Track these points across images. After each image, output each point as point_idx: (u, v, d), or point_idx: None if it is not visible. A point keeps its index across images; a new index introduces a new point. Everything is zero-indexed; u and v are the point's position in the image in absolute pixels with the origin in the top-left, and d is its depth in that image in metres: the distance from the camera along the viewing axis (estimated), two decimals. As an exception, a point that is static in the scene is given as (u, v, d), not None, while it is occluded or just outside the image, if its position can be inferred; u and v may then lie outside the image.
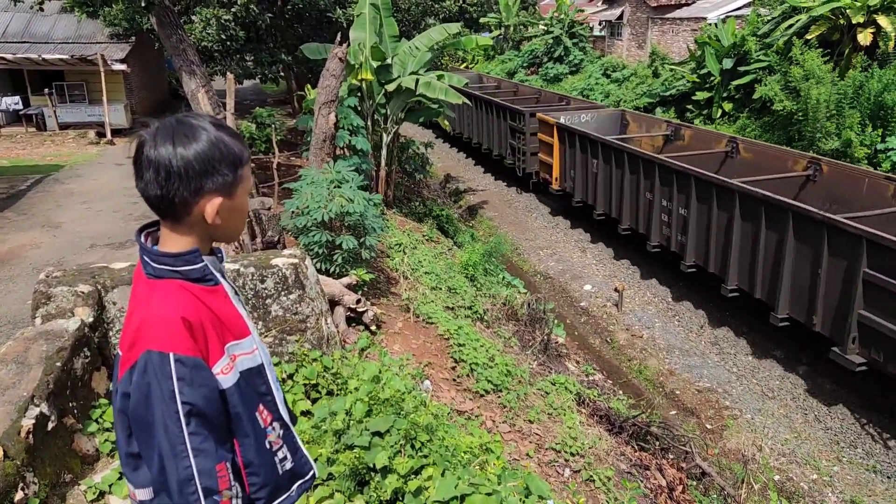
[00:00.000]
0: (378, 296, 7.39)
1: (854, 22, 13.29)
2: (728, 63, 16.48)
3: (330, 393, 4.54)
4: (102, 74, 16.82)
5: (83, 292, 4.15)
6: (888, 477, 7.13)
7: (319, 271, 6.45)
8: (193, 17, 15.85)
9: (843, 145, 11.99)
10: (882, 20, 13.08)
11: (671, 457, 7.11)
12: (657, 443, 7.17)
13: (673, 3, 24.24)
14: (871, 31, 13.27)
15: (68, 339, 3.80)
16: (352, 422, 3.77)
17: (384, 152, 11.34)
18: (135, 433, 1.51)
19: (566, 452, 5.87)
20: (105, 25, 18.53)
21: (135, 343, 1.49)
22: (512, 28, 32.78)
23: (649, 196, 11.27)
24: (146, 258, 1.58)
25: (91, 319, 4.10)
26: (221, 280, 1.66)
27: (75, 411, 3.73)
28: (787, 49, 14.95)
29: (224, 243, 1.73)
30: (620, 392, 8.96)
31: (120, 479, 3.42)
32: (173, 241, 1.58)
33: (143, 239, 1.61)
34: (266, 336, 4.66)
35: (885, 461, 7.32)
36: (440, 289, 8.63)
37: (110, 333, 4.30)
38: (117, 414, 1.58)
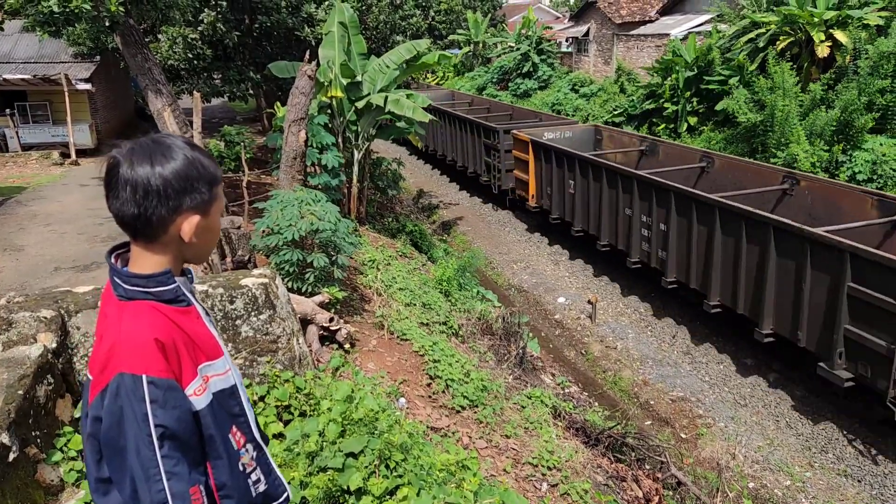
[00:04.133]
0: (351, 313, 7.33)
1: (816, 39, 13.70)
2: (692, 78, 16.87)
3: (303, 414, 4.47)
4: (66, 94, 16.53)
5: (46, 318, 4.03)
6: (858, 481, 7.25)
7: (291, 290, 6.38)
8: (159, 36, 15.70)
9: (792, 158, 12.34)
10: (839, 35, 13.52)
11: (647, 467, 7.14)
12: (633, 454, 7.20)
13: (637, 20, 24.76)
14: (829, 44, 13.71)
15: (30, 367, 3.69)
16: (325, 443, 3.71)
17: (356, 169, 11.31)
18: (106, 457, 1.49)
19: (543, 466, 5.86)
20: (68, 45, 18.25)
21: (106, 366, 1.47)
22: (481, 45, 33.15)
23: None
24: (117, 279, 1.56)
25: (54, 345, 3.98)
26: (193, 301, 1.65)
27: (38, 440, 3.61)
28: (745, 62, 15.36)
29: (194, 264, 1.72)
30: (596, 404, 9.00)
31: (85, 510, 3.31)
32: (145, 262, 1.57)
33: (113, 260, 1.60)
34: (236, 358, 4.58)
35: (856, 465, 7.44)
36: (414, 305, 8.59)
37: (75, 359, 4.19)
38: (87, 438, 1.55)
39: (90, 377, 1.54)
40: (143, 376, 1.43)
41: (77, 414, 3.98)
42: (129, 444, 1.42)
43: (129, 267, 1.58)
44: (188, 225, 1.55)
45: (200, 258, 1.71)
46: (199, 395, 1.55)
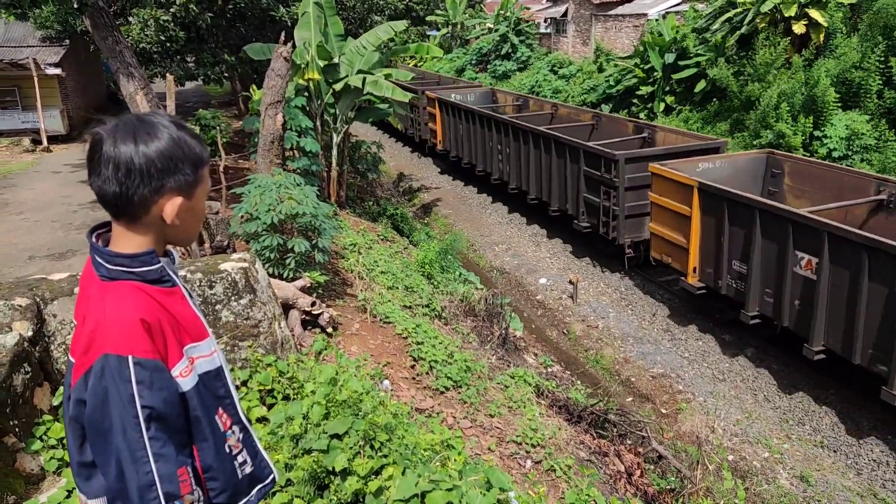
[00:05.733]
0: (334, 297, 7.31)
1: (786, 15, 13.80)
2: (670, 58, 16.91)
3: (286, 398, 4.46)
4: (36, 79, 16.13)
5: (21, 306, 3.96)
6: (834, 451, 7.43)
7: (272, 275, 6.34)
8: (130, 19, 15.34)
9: (777, 136, 12.46)
10: (814, 13, 13.63)
11: (629, 442, 7.26)
12: (615, 429, 7.31)
13: (615, -1, 24.72)
14: (805, 23, 13.82)
15: (6, 355, 3.62)
16: (309, 426, 3.70)
17: (335, 152, 11.22)
18: (90, 440, 1.46)
19: (527, 444, 5.92)
20: (36, 28, 17.75)
21: (90, 347, 1.44)
22: (459, 26, 32.90)
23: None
24: (99, 259, 1.53)
25: (30, 333, 3.91)
26: (178, 281, 1.63)
27: (17, 430, 3.56)
28: (724, 42, 15.44)
29: (178, 246, 1.70)
30: (578, 382, 9.10)
31: (68, 497, 3.27)
32: (127, 242, 1.54)
33: (94, 239, 1.56)
34: (217, 343, 4.54)
35: (832, 436, 7.62)
36: (397, 288, 8.59)
37: (52, 347, 4.12)
38: (70, 422, 1.52)
39: (72, 360, 1.51)
40: (129, 357, 1.41)
41: (56, 402, 3.93)
42: (114, 426, 1.40)
43: (111, 247, 1.54)
44: (171, 206, 1.52)
45: (184, 241, 1.68)
46: (185, 377, 1.53)
